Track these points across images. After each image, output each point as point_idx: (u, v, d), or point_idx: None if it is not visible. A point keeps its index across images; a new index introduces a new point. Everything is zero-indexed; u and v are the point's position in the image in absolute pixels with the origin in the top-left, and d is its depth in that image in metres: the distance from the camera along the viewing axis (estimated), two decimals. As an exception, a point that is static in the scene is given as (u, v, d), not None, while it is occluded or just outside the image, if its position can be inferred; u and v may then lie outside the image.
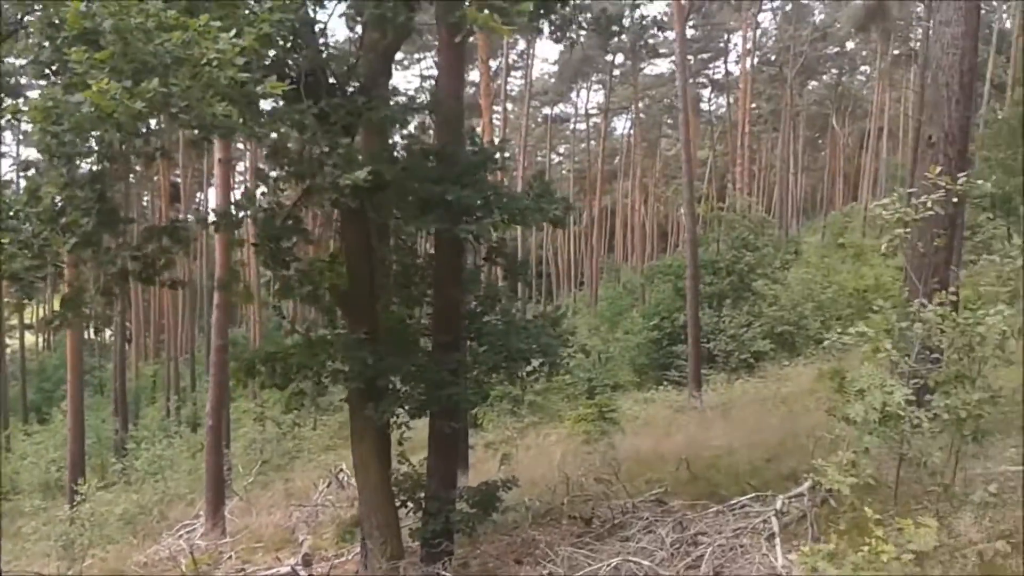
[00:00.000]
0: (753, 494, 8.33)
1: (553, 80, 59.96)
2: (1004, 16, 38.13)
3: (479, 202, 8.18)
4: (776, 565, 6.88)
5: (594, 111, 63.47)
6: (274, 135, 7.47)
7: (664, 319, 25.06)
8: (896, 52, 48.98)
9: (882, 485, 7.53)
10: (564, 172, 66.21)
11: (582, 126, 65.77)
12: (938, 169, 7.15)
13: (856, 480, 6.87)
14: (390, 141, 8.84)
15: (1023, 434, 8.14)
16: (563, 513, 10.61)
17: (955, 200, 6.98)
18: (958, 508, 6.96)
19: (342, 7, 8.16)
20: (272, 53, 6.93)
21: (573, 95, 63.02)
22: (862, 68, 60.31)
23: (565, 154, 70.20)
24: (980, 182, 9.91)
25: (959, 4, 9.55)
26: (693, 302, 21.60)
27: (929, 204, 6.76)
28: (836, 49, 55.40)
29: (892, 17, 38.93)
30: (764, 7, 51.01)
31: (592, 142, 62.87)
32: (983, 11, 16.31)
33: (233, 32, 5.65)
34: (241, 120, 6.30)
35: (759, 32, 53.13)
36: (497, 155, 9.30)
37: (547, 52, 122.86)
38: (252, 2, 6.48)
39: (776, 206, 50.02)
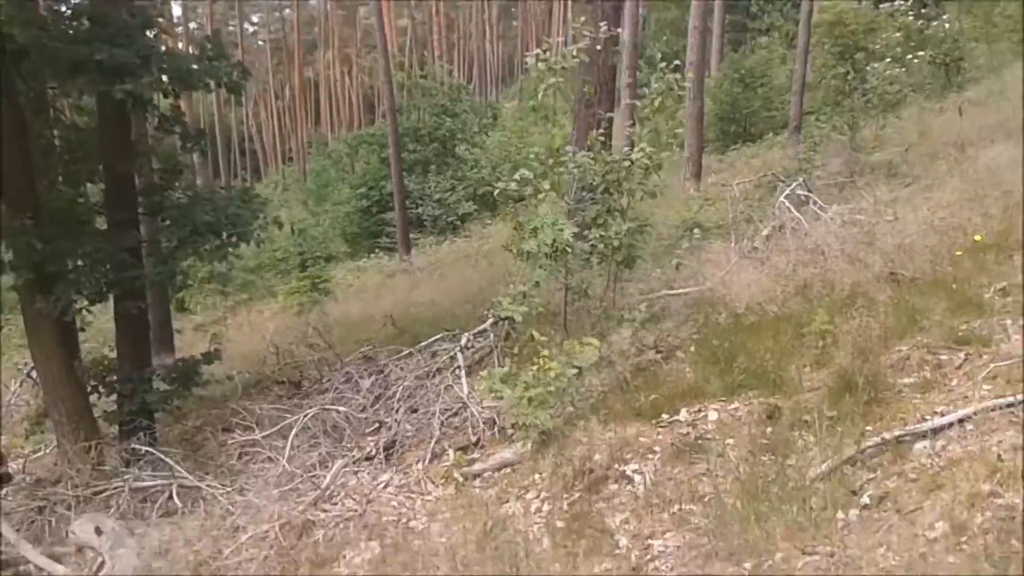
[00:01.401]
0: (442, 334, 8.91)
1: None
2: None
3: (137, 61, 7.63)
4: (463, 394, 7.50)
5: (287, -23, 60.08)
6: None
7: (371, 188, 25.19)
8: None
9: (554, 314, 8.40)
10: (260, 43, 62.62)
11: (275, -6, 62.16)
12: (583, 19, 7.75)
13: (528, 310, 7.61)
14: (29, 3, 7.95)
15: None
16: (273, 381, 10.75)
17: (599, 48, 7.62)
18: (616, 327, 7.91)
19: None
20: None
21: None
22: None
23: (260, 23, 66.19)
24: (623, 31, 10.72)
25: None
26: (397, 169, 21.92)
27: (575, 52, 7.33)
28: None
29: None
30: None
31: (287, 11, 59.70)
32: None
33: None
34: None
35: None
36: (161, 18, 8.70)
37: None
38: None
39: (475, 74, 50.97)
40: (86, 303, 8.75)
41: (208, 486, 6.80)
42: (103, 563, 5.46)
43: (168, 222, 9.33)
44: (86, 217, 9.29)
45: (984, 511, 3.88)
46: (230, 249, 9.62)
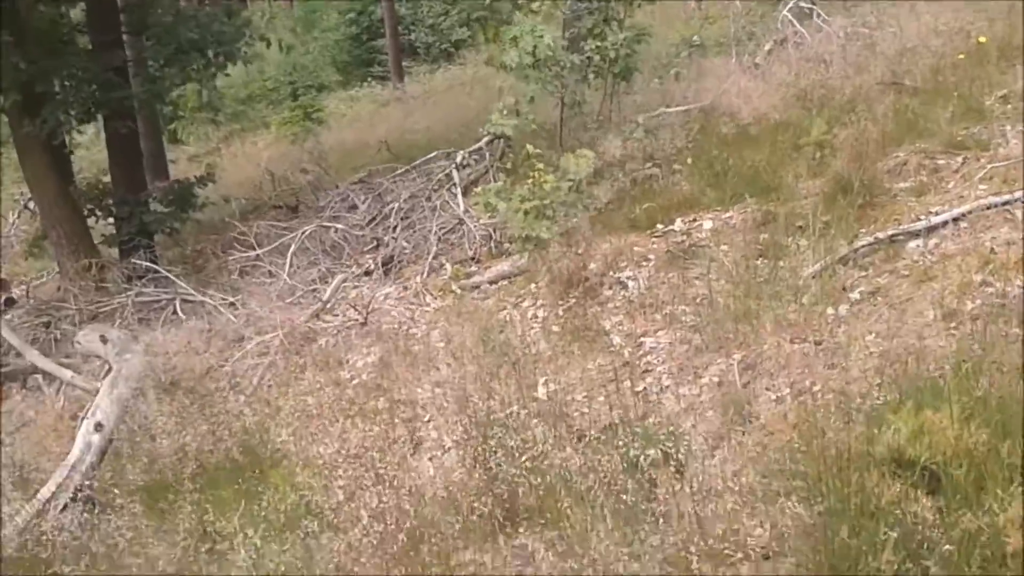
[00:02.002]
0: (437, 151, 8.82)
1: None
2: None
3: None
4: (459, 211, 7.52)
5: None
6: None
7: (360, 14, 24.17)
8: None
9: (549, 131, 8.28)
10: None
11: None
12: None
13: (519, 124, 7.49)
14: None
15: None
16: (270, 206, 10.74)
17: None
18: (613, 139, 7.80)
19: None
20: None
21: None
22: None
23: None
24: None
25: None
26: (386, -9, 21.01)
27: None
28: None
29: None
30: None
31: None
32: None
33: None
34: None
35: None
36: None
37: None
38: None
39: None
40: (74, 124, 8.64)
41: (211, 299, 6.92)
42: (110, 369, 5.62)
43: (152, 41, 9.08)
44: (69, 37, 9.04)
45: (975, 299, 3.96)
46: (216, 69, 9.40)
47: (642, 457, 3.40)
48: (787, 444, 3.07)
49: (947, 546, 2.34)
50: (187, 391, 5.69)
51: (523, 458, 3.61)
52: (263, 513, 3.67)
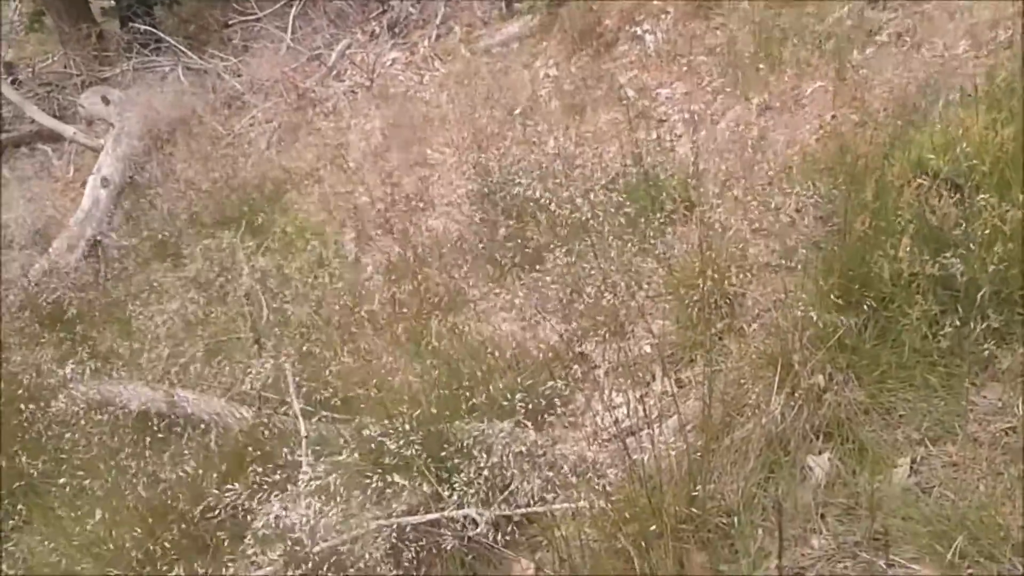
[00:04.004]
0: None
1: None
2: None
3: None
4: None
5: None
6: None
7: None
8: None
9: None
10: None
11: None
12: None
13: None
14: None
15: None
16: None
17: None
18: None
19: None
20: None
21: None
22: None
23: None
24: None
25: None
26: None
27: None
28: None
29: None
30: None
31: None
32: None
33: None
34: None
35: None
36: None
37: None
38: None
39: None
40: None
41: (214, 65, 6.70)
42: (112, 127, 5.52)
43: None
44: None
45: (1007, 28, 3.74)
46: None
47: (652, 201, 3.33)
48: (806, 156, 2.97)
49: (969, 245, 2.28)
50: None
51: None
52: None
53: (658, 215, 3.36)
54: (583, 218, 2.78)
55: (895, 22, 4.46)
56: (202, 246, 3.84)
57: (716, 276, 2.68)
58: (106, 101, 5.81)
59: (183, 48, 6.94)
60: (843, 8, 4.65)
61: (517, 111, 5.06)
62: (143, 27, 7.20)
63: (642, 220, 3.31)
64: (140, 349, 3.46)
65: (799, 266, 2.54)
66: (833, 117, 3.29)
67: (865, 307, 2.38)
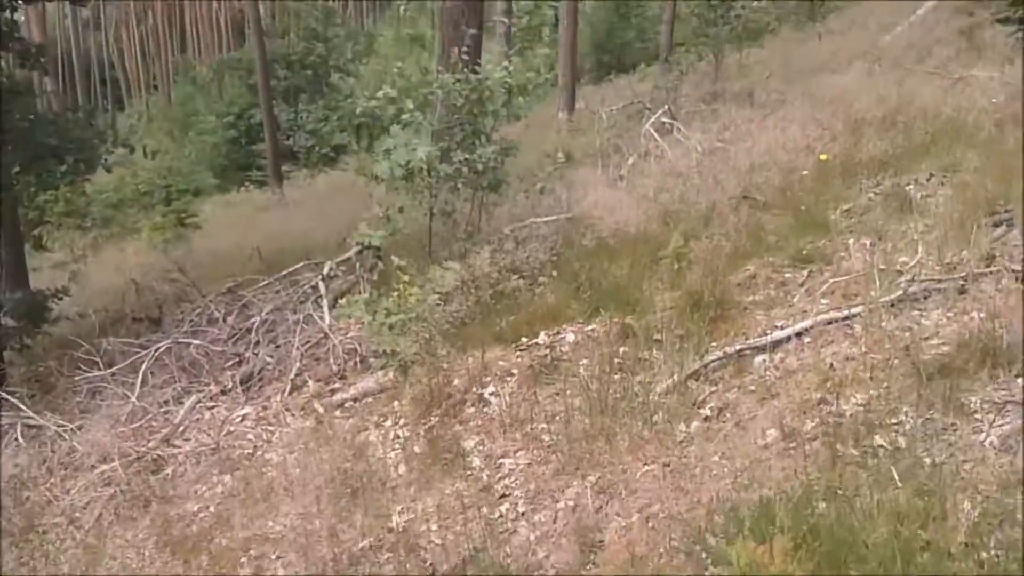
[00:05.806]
0: (304, 263, 8.66)
1: None
2: None
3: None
4: (324, 325, 7.35)
5: None
6: None
7: (239, 117, 24.19)
8: None
9: (419, 241, 8.27)
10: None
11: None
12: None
13: (387, 235, 7.47)
14: None
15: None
16: (132, 319, 10.27)
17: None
18: (480, 252, 7.86)
19: None
20: None
21: None
22: None
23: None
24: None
25: None
26: (265, 97, 21.09)
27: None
28: None
29: None
30: None
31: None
32: None
33: None
34: None
35: None
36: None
37: None
38: None
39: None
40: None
41: (53, 424, 6.46)
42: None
43: (9, 147, 8.75)
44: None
45: (814, 417, 4.06)
46: (76, 176, 9.13)
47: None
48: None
49: None
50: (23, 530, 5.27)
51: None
52: None
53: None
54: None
55: (717, 395, 4.81)
56: None
57: None
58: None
59: (23, 407, 6.71)
60: (668, 380, 5.00)
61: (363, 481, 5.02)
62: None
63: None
64: None
65: None
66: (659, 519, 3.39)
67: None
